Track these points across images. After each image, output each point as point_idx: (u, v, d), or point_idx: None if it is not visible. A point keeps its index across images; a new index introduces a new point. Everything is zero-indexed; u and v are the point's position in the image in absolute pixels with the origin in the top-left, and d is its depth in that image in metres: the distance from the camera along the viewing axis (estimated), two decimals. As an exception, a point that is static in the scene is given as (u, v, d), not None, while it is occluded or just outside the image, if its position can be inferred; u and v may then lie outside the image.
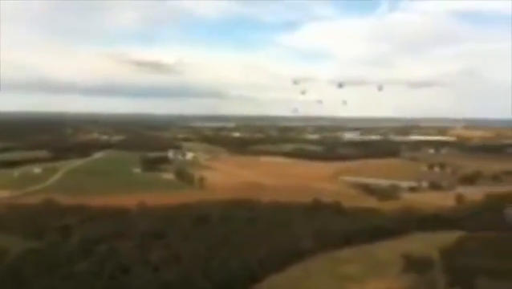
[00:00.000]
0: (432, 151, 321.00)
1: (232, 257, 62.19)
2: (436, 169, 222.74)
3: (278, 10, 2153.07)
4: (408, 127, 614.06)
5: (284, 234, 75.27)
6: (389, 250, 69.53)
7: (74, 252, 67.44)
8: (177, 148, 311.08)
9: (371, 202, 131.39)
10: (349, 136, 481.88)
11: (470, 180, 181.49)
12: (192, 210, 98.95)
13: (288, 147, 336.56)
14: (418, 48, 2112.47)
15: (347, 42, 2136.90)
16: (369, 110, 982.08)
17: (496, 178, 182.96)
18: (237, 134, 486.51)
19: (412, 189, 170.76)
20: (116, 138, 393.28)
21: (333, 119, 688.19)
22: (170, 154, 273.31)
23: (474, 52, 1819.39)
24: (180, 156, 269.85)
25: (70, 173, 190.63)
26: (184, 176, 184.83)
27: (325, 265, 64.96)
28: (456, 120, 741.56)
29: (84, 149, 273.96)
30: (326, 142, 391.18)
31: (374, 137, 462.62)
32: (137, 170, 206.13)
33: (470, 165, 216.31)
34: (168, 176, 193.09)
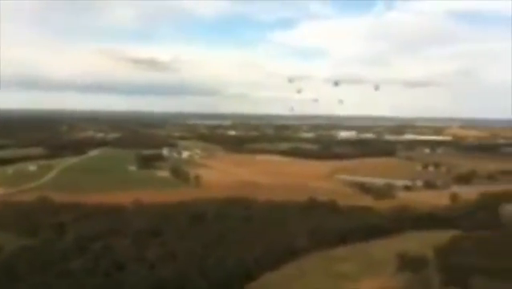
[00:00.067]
0: (427, 150, 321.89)
1: (227, 255, 62.17)
2: (432, 168, 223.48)
3: (274, 8, 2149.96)
4: (403, 126, 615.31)
5: (279, 233, 75.34)
6: (384, 248, 69.69)
7: (68, 249, 67.28)
8: (173, 146, 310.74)
9: (366, 201, 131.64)
10: (345, 134, 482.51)
11: (465, 179, 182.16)
12: (187, 208, 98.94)
13: (284, 145, 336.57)
14: (415, 48, 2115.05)
15: (344, 40, 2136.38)
16: (365, 109, 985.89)
17: (491, 177, 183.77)
18: (232, 132, 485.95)
19: (408, 188, 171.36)
20: (112, 136, 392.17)
21: (329, 117, 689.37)
22: (165, 152, 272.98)
23: (470, 52, 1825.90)
24: (175, 154, 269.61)
25: (65, 171, 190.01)
26: (179, 174, 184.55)
27: (320, 263, 65.04)
28: (451, 120, 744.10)
29: (80, 147, 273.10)
30: (322, 141, 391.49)
31: (370, 136, 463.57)
32: (133, 168, 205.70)
33: (465, 165, 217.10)
34: (164, 174, 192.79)
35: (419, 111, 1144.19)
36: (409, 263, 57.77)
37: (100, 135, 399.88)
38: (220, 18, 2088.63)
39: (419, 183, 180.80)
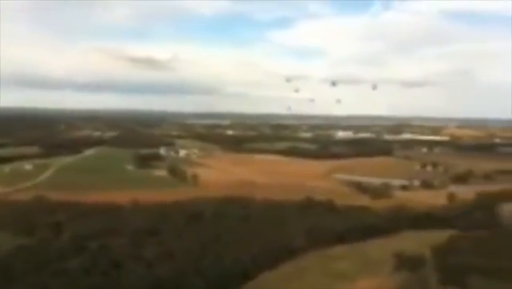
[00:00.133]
0: (424, 150, 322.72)
1: (225, 254, 62.15)
2: (429, 168, 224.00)
3: (272, 8, 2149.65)
4: (401, 126, 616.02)
5: (277, 232, 75.38)
6: (381, 248, 69.78)
7: (65, 248, 67.02)
8: (170, 145, 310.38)
9: (363, 200, 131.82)
10: (342, 134, 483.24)
11: (462, 179, 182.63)
12: (185, 207, 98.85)
13: (282, 145, 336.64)
14: (412, 47, 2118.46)
15: (341, 40, 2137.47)
16: (362, 108, 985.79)
17: (487, 177, 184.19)
18: (230, 132, 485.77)
19: (405, 188, 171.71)
20: (109, 134, 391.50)
21: (327, 117, 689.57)
22: (163, 151, 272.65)
23: (467, 52, 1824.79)
24: (173, 153, 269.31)
25: (61, 170, 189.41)
26: (177, 173, 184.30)
27: (318, 262, 65.10)
28: (448, 120, 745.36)
29: (77, 146, 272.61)
30: (319, 140, 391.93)
31: (367, 136, 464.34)
32: (130, 167, 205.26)
33: (462, 164, 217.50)
34: (161, 173, 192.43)
35: (416, 110, 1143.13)
36: (406, 263, 57.91)
37: (97, 134, 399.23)
38: (218, 17, 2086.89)
39: (416, 183, 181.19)
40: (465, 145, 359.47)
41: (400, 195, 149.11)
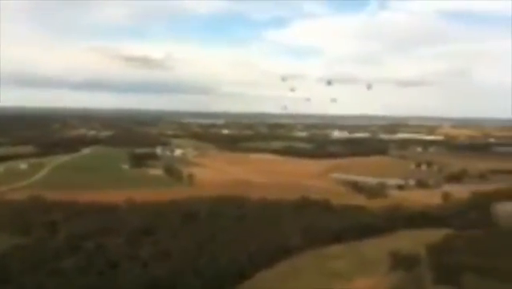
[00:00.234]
0: (419, 149, 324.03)
1: (221, 253, 62.14)
2: (424, 167, 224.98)
3: (268, 7, 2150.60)
4: (396, 125, 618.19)
5: (273, 231, 75.34)
6: (377, 247, 69.92)
7: (61, 248, 66.81)
8: (166, 144, 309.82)
9: (359, 200, 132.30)
10: (338, 133, 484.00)
11: (457, 178, 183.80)
12: (180, 207, 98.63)
13: (277, 144, 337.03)
14: (407, 47, 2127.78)
15: (337, 39, 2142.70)
16: (358, 108, 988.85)
17: (482, 176, 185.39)
18: (226, 131, 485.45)
19: (400, 187, 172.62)
20: (104, 134, 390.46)
21: (322, 116, 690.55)
22: (159, 150, 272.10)
23: (463, 52, 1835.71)
24: (168, 153, 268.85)
25: (57, 169, 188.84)
26: (172, 172, 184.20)
27: (314, 261, 65.17)
28: (443, 119, 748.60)
29: (72, 145, 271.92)
30: (315, 140, 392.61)
31: (363, 135, 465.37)
32: (125, 166, 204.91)
33: (457, 164, 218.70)
34: (157, 172, 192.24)
35: (411, 110, 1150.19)
36: (402, 262, 58.12)
37: (93, 133, 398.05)
38: (213, 16, 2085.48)
39: (411, 182, 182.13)
40: (459, 145, 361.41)
41: (395, 194, 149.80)
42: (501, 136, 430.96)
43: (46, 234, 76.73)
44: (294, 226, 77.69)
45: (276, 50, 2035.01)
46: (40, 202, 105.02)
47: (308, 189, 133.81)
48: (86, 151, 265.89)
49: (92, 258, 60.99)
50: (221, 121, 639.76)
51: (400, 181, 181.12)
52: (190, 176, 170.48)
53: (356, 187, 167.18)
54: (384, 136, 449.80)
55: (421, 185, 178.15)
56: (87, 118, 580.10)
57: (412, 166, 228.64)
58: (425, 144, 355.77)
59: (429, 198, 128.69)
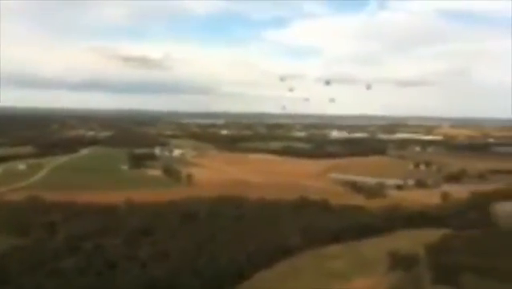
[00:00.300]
0: (418, 149, 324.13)
1: (220, 253, 62.16)
2: (423, 167, 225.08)
3: (267, 7, 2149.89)
4: (395, 125, 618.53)
5: (272, 231, 75.37)
6: (376, 247, 69.98)
7: (60, 249, 66.76)
8: (165, 144, 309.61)
9: (358, 200, 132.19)
10: (337, 133, 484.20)
11: (456, 178, 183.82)
12: (179, 207, 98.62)
13: (276, 144, 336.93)
14: (407, 47, 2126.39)
15: (336, 39, 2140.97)
16: (357, 108, 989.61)
17: (481, 176, 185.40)
18: (225, 131, 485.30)
19: (399, 187, 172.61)
20: (103, 134, 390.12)
21: (321, 116, 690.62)
22: (157, 151, 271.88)
23: (462, 52, 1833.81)
24: (167, 153, 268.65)
25: (55, 170, 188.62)
26: (171, 173, 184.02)
27: (313, 261, 65.23)
28: (442, 119, 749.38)
29: (70, 145, 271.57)
30: (314, 140, 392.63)
31: (362, 135, 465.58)
32: (124, 167, 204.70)
33: (456, 164, 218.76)
34: (156, 172, 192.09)
35: (411, 110, 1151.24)
36: (400, 261, 58.20)
37: (91, 133, 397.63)
38: (212, 16, 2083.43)
39: (410, 182, 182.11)
40: (458, 145, 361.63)
41: (394, 194, 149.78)
42: (500, 136, 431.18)
43: (44, 234, 76.65)
44: (293, 226, 77.72)
45: (275, 50, 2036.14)
46: (39, 203, 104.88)
47: (307, 189, 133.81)
48: (84, 151, 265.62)
49: (91, 259, 60.99)
50: (220, 121, 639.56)
51: (399, 181, 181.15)
52: (189, 176, 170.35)
53: (355, 187, 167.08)
54: (383, 136, 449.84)
55: (420, 185, 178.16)
56: (85, 118, 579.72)
57: (411, 166, 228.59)
58: (424, 144, 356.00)
59: (428, 198, 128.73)
